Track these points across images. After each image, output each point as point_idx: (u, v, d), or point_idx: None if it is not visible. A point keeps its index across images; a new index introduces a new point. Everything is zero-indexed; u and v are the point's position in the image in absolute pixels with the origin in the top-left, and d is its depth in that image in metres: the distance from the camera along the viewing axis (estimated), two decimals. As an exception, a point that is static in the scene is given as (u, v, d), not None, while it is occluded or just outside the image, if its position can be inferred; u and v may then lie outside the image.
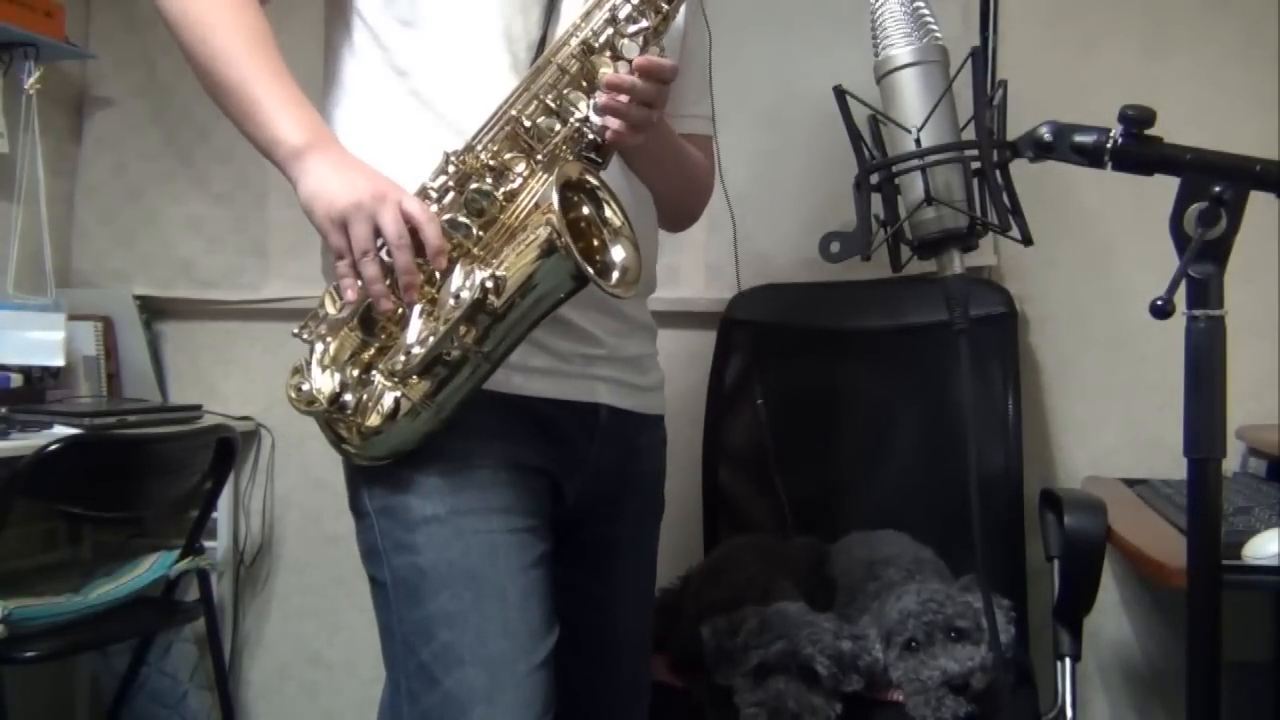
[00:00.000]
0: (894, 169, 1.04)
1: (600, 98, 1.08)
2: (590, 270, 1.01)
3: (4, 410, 2.05)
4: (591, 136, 1.09)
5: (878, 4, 1.05)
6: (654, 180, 1.27)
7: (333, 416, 1.07)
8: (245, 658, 2.48)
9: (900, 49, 1.03)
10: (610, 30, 1.09)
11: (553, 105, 1.08)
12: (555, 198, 1.01)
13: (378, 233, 1.01)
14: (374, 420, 1.05)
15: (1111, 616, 2.06)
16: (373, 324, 1.07)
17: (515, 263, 1.03)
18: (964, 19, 2.08)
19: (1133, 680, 2.07)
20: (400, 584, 1.11)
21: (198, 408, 2.37)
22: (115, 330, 2.44)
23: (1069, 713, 1.59)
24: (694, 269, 2.19)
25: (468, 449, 1.11)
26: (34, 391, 2.20)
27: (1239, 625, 1.28)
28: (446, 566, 1.09)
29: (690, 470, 2.06)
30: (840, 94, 1.07)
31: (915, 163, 1.02)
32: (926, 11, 1.05)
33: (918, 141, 1.01)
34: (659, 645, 1.66)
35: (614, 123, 1.08)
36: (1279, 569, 1.25)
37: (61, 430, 1.98)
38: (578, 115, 1.09)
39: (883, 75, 1.05)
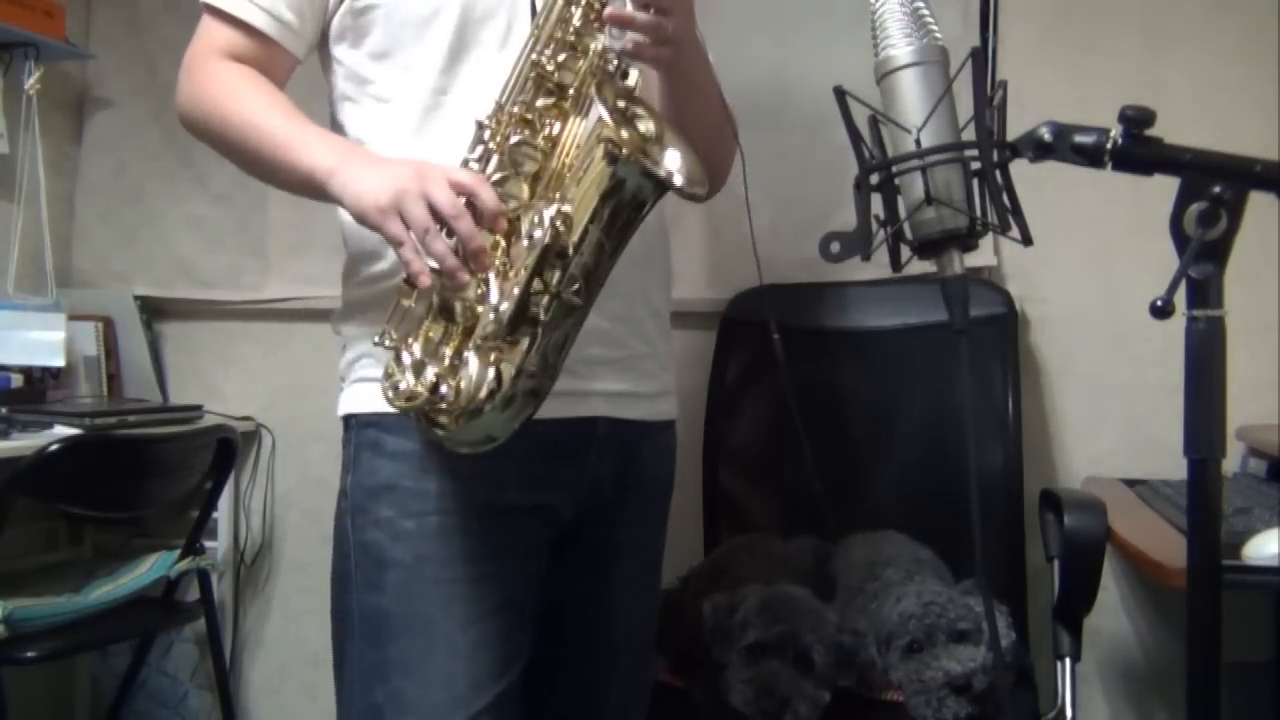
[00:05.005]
0: (894, 169, 1.04)
1: (607, 10, 1.06)
2: (662, 172, 0.98)
3: (4, 410, 2.05)
4: (615, 64, 1.07)
5: (878, 4, 1.05)
6: (694, 107, 1.23)
7: (435, 408, 1.03)
8: (245, 658, 2.48)
9: (900, 49, 1.03)
10: None
11: (571, 40, 1.07)
12: (604, 111, 0.98)
13: (433, 212, 0.99)
14: (480, 397, 1.00)
15: (1111, 616, 2.06)
16: (451, 309, 1.03)
17: (579, 193, 1.00)
18: (964, 19, 2.08)
19: (1133, 680, 2.07)
20: (366, 621, 1.15)
21: (198, 408, 2.37)
22: (115, 330, 2.44)
23: (1069, 713, 1.59)
24: (694, 269, 2.19)
25: (442, 492, 1.13)
26: (34, 391, 2.20)
27: (1239, 625, 1.28)
28: (407, 614, 1.13)
29: (690, 470, 2.05)
30: (840, 94, 1.07)
31: (915, 163, 1.02)
32: (926, 11, 1.04)
33: (918, 141, 1.01)
34: (659, 645, 1.66)
35: (630, 36, 1.05)
36: (1279, 569, 1.26)
37: (62, 430, 1.98)
38: (596, 45, 1.07)
39: (883, 75, 1.05)
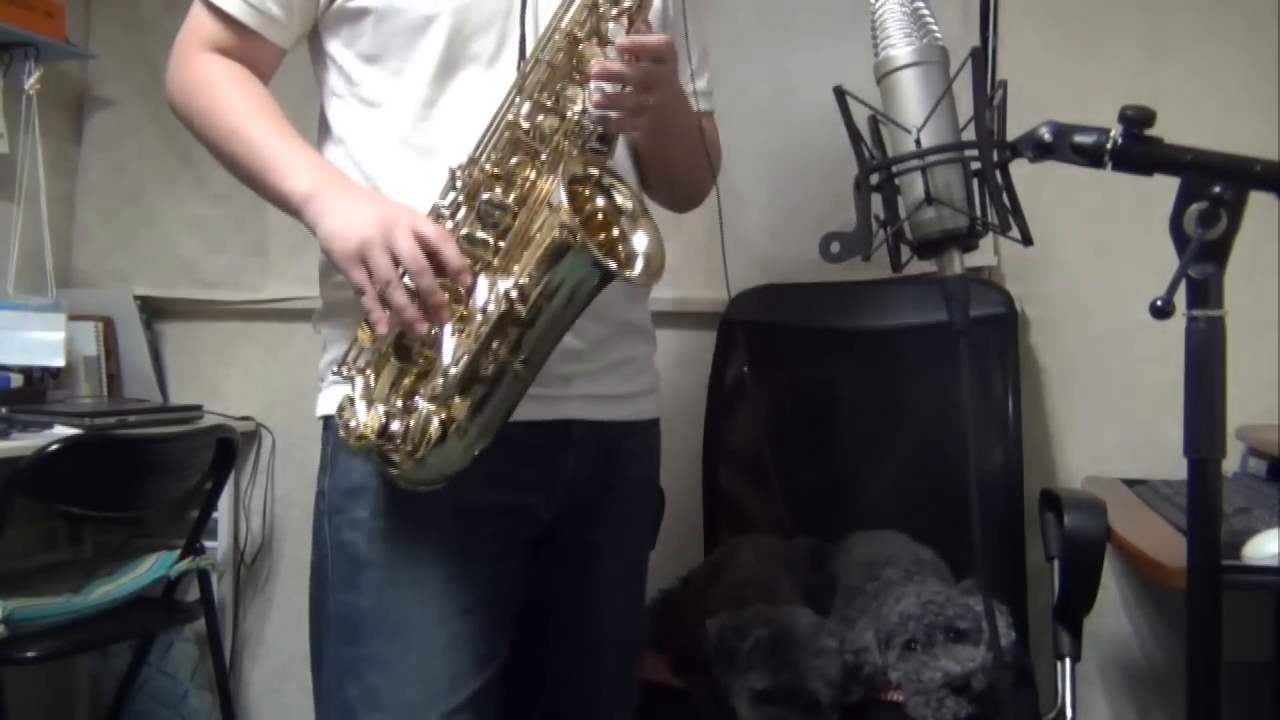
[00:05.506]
0: (894, 169, 1.04)
1: (592, 88, 1.07)
2: (610, 263, 1.00)
3: (4, 410, 2.05)
4: (592, 128, 1.08)
5: (878, 4, 1.05)
6: (665, 157, 1.26)
7: (384, 447, 1.06)
8: (245, 658, 2.49)
9: (900, 49, 1.03)
10: (592, 17, 1.08)
11: (548, 103, 1.08)
12: (563, 195, 1.00)
13: (397, 261, 1.01)
14: (424, 446, 1.04)
15: (1111, 616, 2.06)
16: (409, 350, 1.06)
17: (536, 268, 1.02)
18: (964, 19, 2.08)
19: (1133, 680, 2.07)
20: (341, 620, 1.16)
21: (198, 408, 2.37)
22: (116, 330, 2.44)
23: (1069, 713, 1.59)
24: (694, 269, 2.19)
25: (415, 493, 1.12)
26: (34, 391, 2.20)
27: (1239, 625, 1.28)
28: (381, 613, 1.14)
29: (690, 470, 2.06)
30: (840, 94, 1.07)
31: (915, 163, 1.02)
32: (926, 11, 1.04)
33: (918, 142, 1.01)
34: (659, 645, 1.66)
35: (611, 113, 1.08)
36: (1279, 569, 1.26)
37: (62, 430, 1.98)
38: (575, 109, 1.08)
39: (883, 75, 1.05)
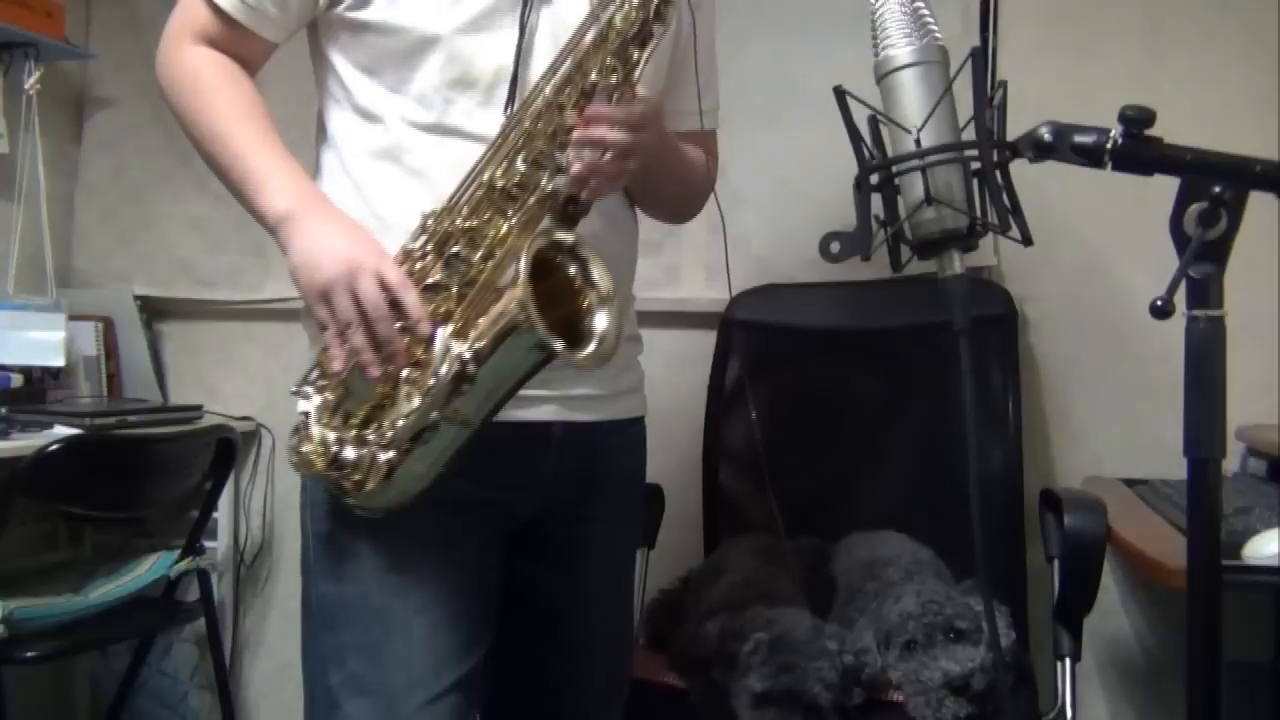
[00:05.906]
0: (894, 169, 1.04)
1: (571, 155, 1.06)
2: (556, 345, 1.01)
3: (4, 410, 2.06)
4: (569, 192, 1.08)
5: (878, 4, 1.05)
6: (650, 189, 1.27)
7: (333, 475, 1.09)
8: (245, 658, 2.49)
9: (900, 49, 1.03)
10: (578, 88, 1.07)
11: (525, 166, 1.07)
12: (524, 272, 1.00)
13: (359, 303, 1.03)
14: (372, 480, 1.06)
15: (1111, 616, 2.06)
16: (367, 385, 1.07)
17: (491, 335, 1.02)
18: (964, 19, 2.08)
19: (1132, 680, 2.07)
20: (324, 609, 1.18)
21: (198, 408, 2.38)
22: (115, 330, 2.45)
23: (1069, 713, 1.59)
24: (694, 269, 2.19)
25: None
26: (34, 391, 2.21)
27: (1239, 625, 1.28)
28: (362, 601, 1.15)
29: (690, 470, 2.06)
30: (840, 94, 1.07)
31: (915, 163, 1.02)
32: (926, 11, 1.04)
33: (918, 142, 1.01)
34: (659, 645, 1.66)
35: (591, 180, 1.07)
36: (1279, 569, 1.26)
37: (62, 430, 1.98)
38: (553, 172, 1.07)
39: (883, 75, 1.05)
